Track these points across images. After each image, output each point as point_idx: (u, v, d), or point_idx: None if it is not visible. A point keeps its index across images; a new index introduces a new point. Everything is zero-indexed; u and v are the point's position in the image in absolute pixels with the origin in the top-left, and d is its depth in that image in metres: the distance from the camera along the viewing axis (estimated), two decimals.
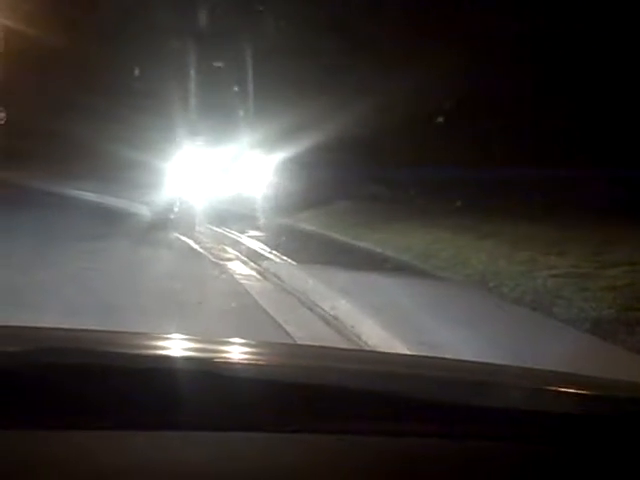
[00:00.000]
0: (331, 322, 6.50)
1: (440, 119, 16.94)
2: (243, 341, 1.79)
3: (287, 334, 6.04)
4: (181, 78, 19.30)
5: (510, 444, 1.24)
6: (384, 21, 19.52)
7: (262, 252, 9.78)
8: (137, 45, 21.29)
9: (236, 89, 18.45)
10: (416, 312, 6.29)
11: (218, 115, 16.50)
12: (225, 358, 1.49)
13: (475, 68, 17.70)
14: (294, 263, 8.92)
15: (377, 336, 5.84)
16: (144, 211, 13.79)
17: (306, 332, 6.15)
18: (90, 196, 16.76)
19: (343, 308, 6.68)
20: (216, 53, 19.09)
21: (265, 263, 9.19)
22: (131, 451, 1.17)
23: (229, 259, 9.78)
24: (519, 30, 18.63)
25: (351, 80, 18.43)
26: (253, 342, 1.85)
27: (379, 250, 9.74)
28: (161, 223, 12.05)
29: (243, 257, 9.75)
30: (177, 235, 11.36)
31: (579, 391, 1.45)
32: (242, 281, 8.37)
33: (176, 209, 12.97)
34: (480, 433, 1.24)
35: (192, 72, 19.19)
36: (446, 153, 17.74)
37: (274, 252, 9.58)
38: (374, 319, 6.20)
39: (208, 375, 1.28)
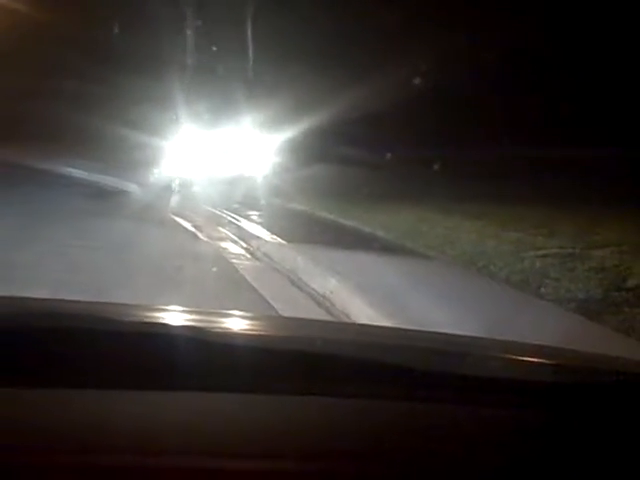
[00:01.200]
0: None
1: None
2: (234, 312, 1.82)
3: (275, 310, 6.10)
4: (181, 55, 19.31)
5: (489, 409, 1.28)
6: None
7: (256, 233, 9.78)
8: (135, 20, 21.18)
9: (238, 66, 18.55)
10: (402, 290, 6.34)
11: (219, 93, 16.47)
12: (217, 327, 1.51)
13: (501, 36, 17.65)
14: (286, 243, 8.94)
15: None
16: (139, 190, 13.74)
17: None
18: (84, 175, 16.67)
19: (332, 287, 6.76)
20: (217, 29, 19.02)
21: (256, 242, 9.20)
22: (119, 409, 1.18)
23: (221, 238, 9.77)
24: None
25: (363, 51, 18.32)
26: (243, 314, 1.86)
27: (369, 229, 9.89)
28: (156, 203, 12.01)
29: (234, 237, 9.75)
30: (171, 215, 11.31)
31: (553, 361, 1.50)
32: (233, 260, 8.39)
33: (173, 189, 12.90)
34: (460, 399, 1.28)
35: (192, 49, 19.24)
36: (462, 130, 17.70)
37: (268, 233, 9.58)
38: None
39: (201, 341, 1.29)
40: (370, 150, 16.85)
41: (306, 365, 1.27)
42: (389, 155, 16.01)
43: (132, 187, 14.36)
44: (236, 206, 11.70)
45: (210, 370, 1.25)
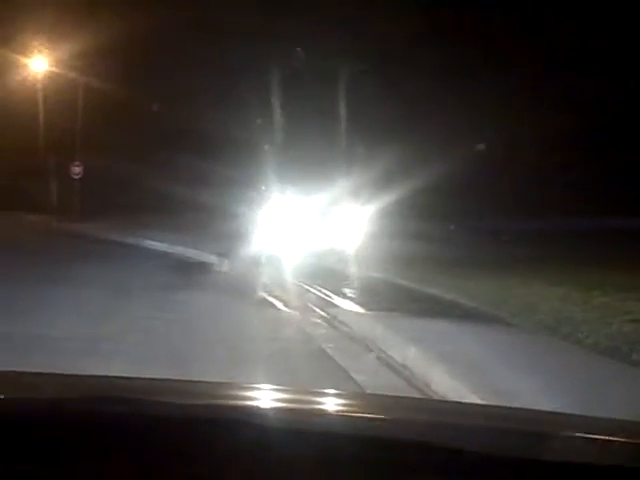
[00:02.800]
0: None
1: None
2: (328, 391, 1.86)
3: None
4: (270, 125, 19.87)
5: None
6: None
7: (337, 302, 9.62)
8: (220, 95, 21.99)
9: (329, 136, 18.98)
10: (484, 359, 6.16)
11: (311, 162, 16.73)
12: (314, 409, 1.52)
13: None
14: (369, 313, 8.84)
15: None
16: (227, 265, 13.76)
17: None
18: (171, 248, 16.92)
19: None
20: (308, 96, 19.60)
21: (334, 311, 9.12)
22: None
23: (315, 323, 9.00)
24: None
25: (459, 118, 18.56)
26: (337, 392, 1.87)
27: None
28: (246, 277, 11.99)
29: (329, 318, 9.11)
30: (261, 293, 11.04)
31: None
32: (308, 328, 8.29)
33: (262, 263, 12.84)
34: None
35: (281, 117, 19.80)
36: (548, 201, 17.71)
37: (351, 303, 9.47)
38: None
39: (296, 428, 1.27)
40: (441, 220, 16.91)
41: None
42: (459, 225, 16.13)
43: (220, 260, 14.41)
44: (332, 282, 11.30)
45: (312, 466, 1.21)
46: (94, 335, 7.00)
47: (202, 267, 14.24)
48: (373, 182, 14.96)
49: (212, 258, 14.93)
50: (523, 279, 10.58)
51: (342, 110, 19.40)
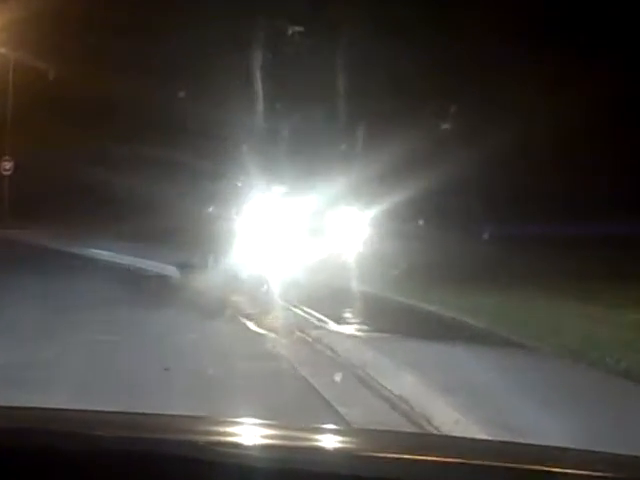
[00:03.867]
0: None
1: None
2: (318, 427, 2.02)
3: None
4: (252, 107, 19.80)
5: None
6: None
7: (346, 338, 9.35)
8: (192, 71, 21.96)
9: (327, 128, 19.00)
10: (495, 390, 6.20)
11: (304, 158, 16.64)
12: (299, 447, 1.63)
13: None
14: (360, 335, 8.91)
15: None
16: (189, 278, 13.77)
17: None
18: (121, 258, 16.94)
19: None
20: (300, 70, 19.61)
21: (316, 333, 9.15)
22: None
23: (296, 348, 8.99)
24: None
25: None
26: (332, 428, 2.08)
27: None
28: (212, 293, 11.90)
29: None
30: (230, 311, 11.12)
31: None
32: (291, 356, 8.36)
33: (232, 276, 12.80)
34: None
35: (267, 97, 19.80)
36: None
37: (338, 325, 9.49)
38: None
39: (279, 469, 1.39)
40: (453, 223, 17.03)
41: None
42: (479, 231, 16.26)
43: (179, 273, 14.50)
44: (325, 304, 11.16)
45: None
46: (26, 361, 6.96)
47: (159, 281, 14.23)
48: (376, 179, 15.04)
49: (171, 270, 14.96)
50: (543, 293, 10.70)
51: (341, 89, 19.56)
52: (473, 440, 3.53)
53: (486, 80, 19.75)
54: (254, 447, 1.54)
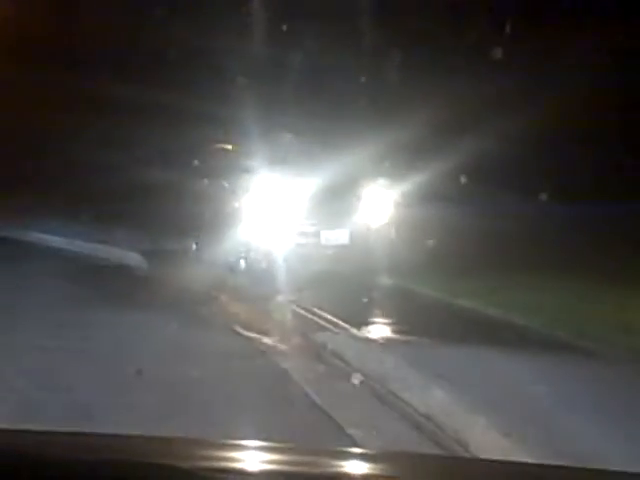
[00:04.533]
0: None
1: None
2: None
3: None
4: (247, 48, 19.73)
5: None
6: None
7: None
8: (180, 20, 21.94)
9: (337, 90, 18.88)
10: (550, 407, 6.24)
11: (319, 105, 16.41)
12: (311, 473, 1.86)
13: None
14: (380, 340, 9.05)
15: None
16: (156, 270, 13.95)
17: None
18: (77, 246, 16.94)
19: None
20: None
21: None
22: None
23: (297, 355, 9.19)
24: None
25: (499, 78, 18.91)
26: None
27: None
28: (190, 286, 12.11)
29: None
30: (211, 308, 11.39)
31: None
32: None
33: (236, 269, 12.99)
34: None
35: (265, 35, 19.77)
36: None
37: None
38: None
39: None
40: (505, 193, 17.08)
41: None
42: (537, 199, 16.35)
43: (146, 264, 14.66)
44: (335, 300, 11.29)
45: None
46: None
47: (124, 273, 14.33)
48: (406, 152, 14.90)
49: (137, 259, 15.10)
50: (612, 285, 10.78)
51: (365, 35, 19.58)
52: (503, 463, 3.63)
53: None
54: (257, 472, 1.76)
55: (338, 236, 13.65)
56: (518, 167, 18.38)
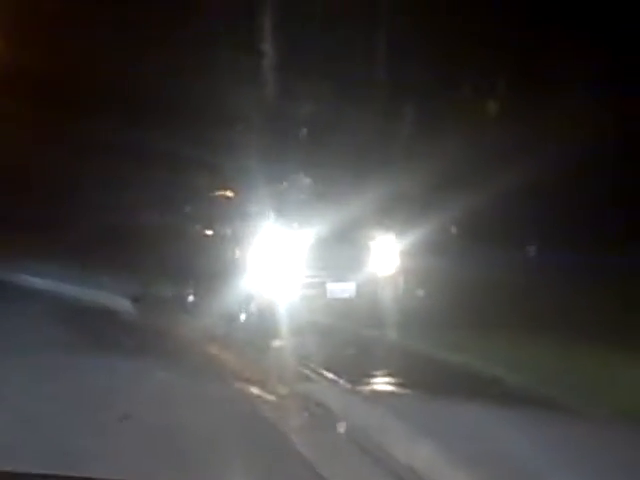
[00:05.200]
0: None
1: None
2: None
3: None
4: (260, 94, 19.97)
5: None
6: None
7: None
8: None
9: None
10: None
11: (317, 177, 16.37)
12: None
13: None
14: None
15: None
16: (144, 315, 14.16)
17: None
18: (63, 288, 17.04)
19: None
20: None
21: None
22: None
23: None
24: None
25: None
26: None
27: None
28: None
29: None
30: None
31: None
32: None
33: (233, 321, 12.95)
34: None
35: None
36: None
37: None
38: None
39: None
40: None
41: None
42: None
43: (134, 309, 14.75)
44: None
45: None
46: None
47: (110, 318, 14.41)
48: (410, 204, 15.07)
49: (125, 305, 15.16)
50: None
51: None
52: None
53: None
54: None
55: (344, 289, 13.57)
56: (513, 220, 18.67)
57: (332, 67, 19.88)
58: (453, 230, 16.64)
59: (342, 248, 13.49)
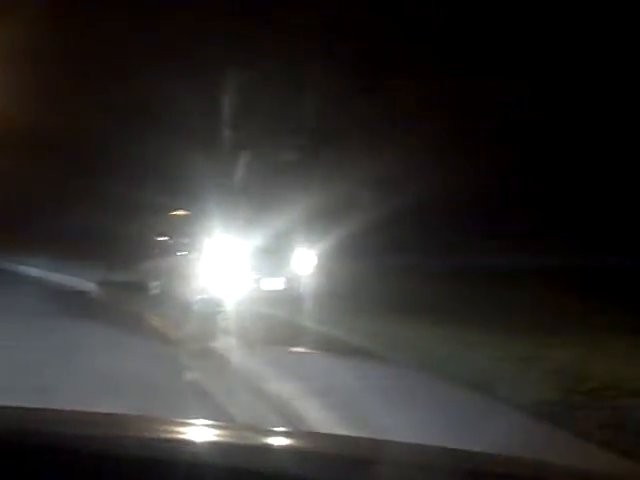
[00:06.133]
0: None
1: None
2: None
3: None
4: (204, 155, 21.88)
5: None
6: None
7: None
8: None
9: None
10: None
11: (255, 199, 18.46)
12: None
13: None
14: None
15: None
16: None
17: None
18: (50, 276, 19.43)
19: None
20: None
21: None
22: None
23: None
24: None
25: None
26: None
27: None
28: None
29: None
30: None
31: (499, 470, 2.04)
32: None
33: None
34: None
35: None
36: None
37: None
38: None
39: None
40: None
41: None
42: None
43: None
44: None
45: None
46: None
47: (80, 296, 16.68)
48: (322, 219, 17.20)
49: (92, 287, 17.34)
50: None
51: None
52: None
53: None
54: (201, 446, 1.95)
55: (275, 283, 15.92)
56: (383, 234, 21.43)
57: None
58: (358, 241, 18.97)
59: (274, 252, 15.76)
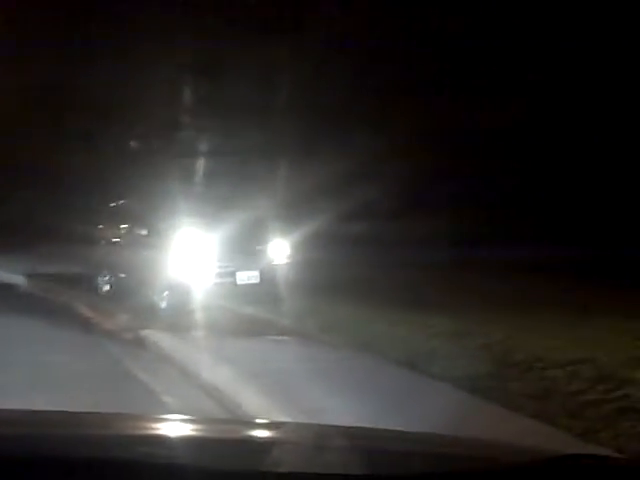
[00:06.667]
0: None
1: None
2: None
3: None
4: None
5: None
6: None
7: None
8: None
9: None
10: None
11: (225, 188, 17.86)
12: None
13: None
14: None
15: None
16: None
17: None
18: None
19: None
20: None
21: None
22: None
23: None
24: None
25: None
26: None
27: None
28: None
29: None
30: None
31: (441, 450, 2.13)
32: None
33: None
34: None
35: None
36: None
37: None
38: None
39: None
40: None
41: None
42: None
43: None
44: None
45: None
46: None
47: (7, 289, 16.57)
48: (296, 210, 17.17)
49: (20, 280, 17.11)
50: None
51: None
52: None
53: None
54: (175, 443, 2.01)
55: (250, 275, 15.32)
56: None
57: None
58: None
59: (248, 244, 15.30)
